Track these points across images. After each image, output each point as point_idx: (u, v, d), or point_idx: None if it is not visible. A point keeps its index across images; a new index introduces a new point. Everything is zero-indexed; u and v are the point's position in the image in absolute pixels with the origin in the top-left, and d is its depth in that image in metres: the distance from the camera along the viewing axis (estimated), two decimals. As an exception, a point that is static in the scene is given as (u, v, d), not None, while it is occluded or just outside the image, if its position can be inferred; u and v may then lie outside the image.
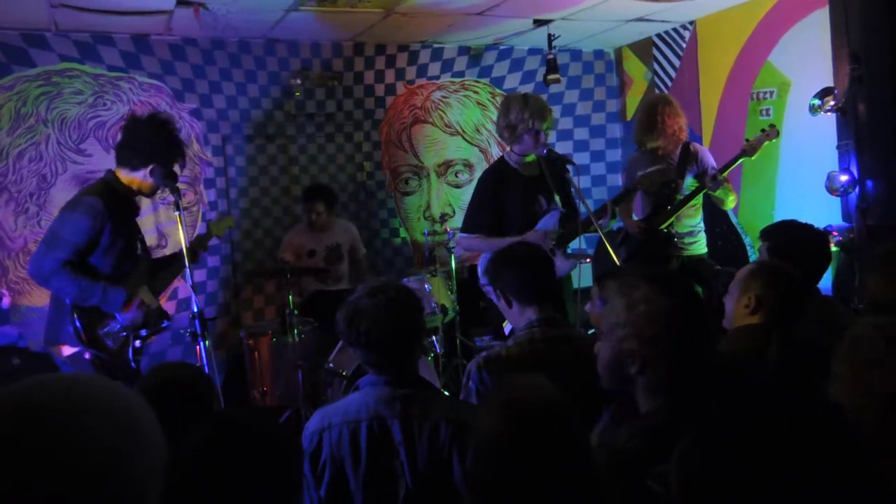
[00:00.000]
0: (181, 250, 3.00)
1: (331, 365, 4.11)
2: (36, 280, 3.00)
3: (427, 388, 2.01)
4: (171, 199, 3.18)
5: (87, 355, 3.00)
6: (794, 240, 2.55)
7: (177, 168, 3.18)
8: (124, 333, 3.08)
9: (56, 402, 0.82)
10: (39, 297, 4.62)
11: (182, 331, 3.14)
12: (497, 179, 3.59)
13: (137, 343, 3.12)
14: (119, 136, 3.19)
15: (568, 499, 1.31)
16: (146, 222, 4.82)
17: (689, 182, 4.01)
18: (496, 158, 3.92)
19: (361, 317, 1.91)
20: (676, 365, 1.48)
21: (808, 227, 2.64)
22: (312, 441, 1.93)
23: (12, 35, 4.42)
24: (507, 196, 3.54)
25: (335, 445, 1.90)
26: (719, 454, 0.92)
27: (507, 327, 3.22)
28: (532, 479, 1.31)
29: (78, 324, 2.96)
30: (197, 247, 3.45)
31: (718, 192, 3.84)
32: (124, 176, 3.11)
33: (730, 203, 3.98)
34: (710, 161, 4.07)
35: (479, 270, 3.62)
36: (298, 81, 5.21)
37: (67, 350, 3.06)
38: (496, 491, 1.35)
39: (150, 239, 4.84)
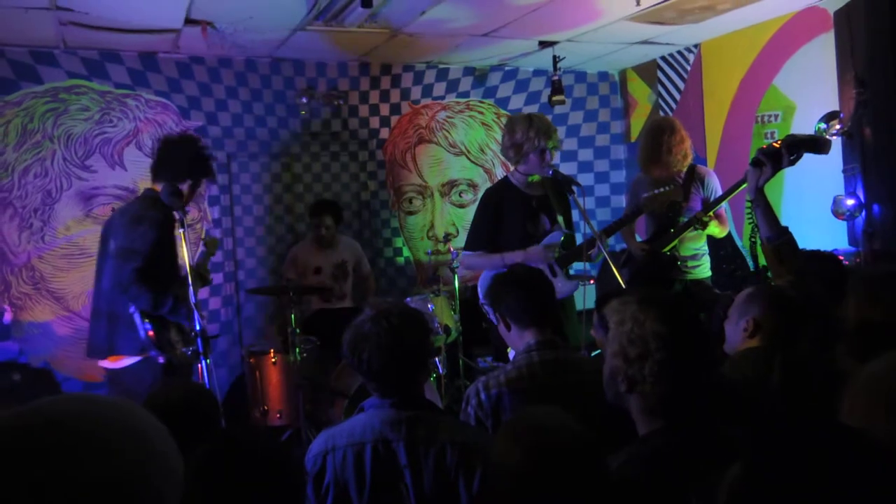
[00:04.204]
0: (195, 267, 3.23)
1: (332, 384, 4.08)
2: (114, 291, 3.16)
3: (433, 411, 1.99)
4: (176, 215, 3.22)
5: (161, 359, 3.16)
6: (808, 268, 2.56)
7: (204, 186, 3.35)
8: (187, 350, 3.18)
9: (80, 421, 0.83)
10: (41, 313, 4.61)
11: (183, 349, 3.13)
12: (499, 198, 3.60)
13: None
14: (153, 155, 3.41)
15: None
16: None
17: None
18: (500, 178, 3.92)
19: (364, 344, 1.89)
20: (663, 389, 1.47)
21: (817, 253, 2.65)
22: (316, 463, 1.91)
23: (21, 52, 4.45)
24: (508, 215, 3.55)
25: (339, 468, 1.88)
26: (775, 487, 0.90)
27: (511, 353, 3.20)
28: None
29: (149, 327, 3.11)
30: (203, 269, 3.57)
31: (707, 231, 3.88)
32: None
33: (718, 233, 3.98)
34: (716, 185, 4.06)
35: (479, 290, 3.61)
36: (304, 100, 5.22)
37: (126, 361, 3.17)
38: None
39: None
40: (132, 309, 3.10)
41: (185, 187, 3.27)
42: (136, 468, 0.82)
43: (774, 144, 2.81)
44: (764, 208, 2.78)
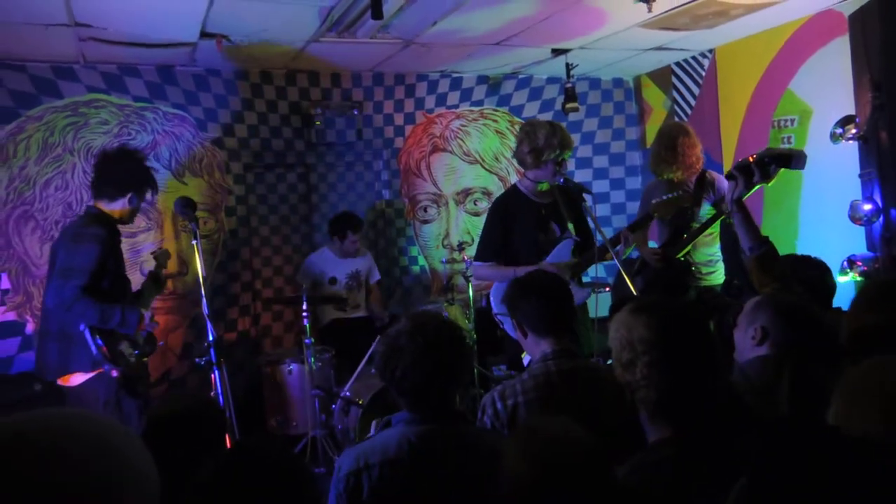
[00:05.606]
0: (144, 281, 3.52)
1: (347, 393, 4.10)
2: (58, 310, 3.14)
3: (465, 423, 1.97)
4: (191, 227, 3.27)
5: (114, 373, 3.17)
6: (794, 273, 2.56)
7: (149, 195, 3.44)
8: (137, 352, 3.26)
9: (45, 432, 0.85)
10: (62, 324, 4.68)
11: (197, 359, 3.16)
12: (507, 207, 3.59)
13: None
14: (93, 172, 3.43)
15: None
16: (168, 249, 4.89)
17: (706, 210, 3.97)
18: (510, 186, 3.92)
19: (399, 359, 1.86)
20: (656, 393, 1.45)
21: (803, 258, 2.65)
22: (349, 482, 1.86)
23: (42, 67, 4.54)
24: (518, 224, 3.53)
25: (377, 485, 1.84)
26: (778, 492, 0.90)
27: (525, 358, 3.19)
28: None
29: (101, 342, 3.12)
30: (158, 278, 3.71)
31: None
32: (105, 208, 3.33)
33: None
34: (727, 189, 4.02)
35: (492, 300, 3.61)
36: (319, 111, 5.27)
37: (79, 378, 3.18)
38: None
39: (172, 265, 4.90)
40: (82, 327, 3.11)
41: (130, 202, 3.33)
42: (104, 480, 0.83)
43: (749, 159, 2.80)
44: (743, 220, 2.77)
